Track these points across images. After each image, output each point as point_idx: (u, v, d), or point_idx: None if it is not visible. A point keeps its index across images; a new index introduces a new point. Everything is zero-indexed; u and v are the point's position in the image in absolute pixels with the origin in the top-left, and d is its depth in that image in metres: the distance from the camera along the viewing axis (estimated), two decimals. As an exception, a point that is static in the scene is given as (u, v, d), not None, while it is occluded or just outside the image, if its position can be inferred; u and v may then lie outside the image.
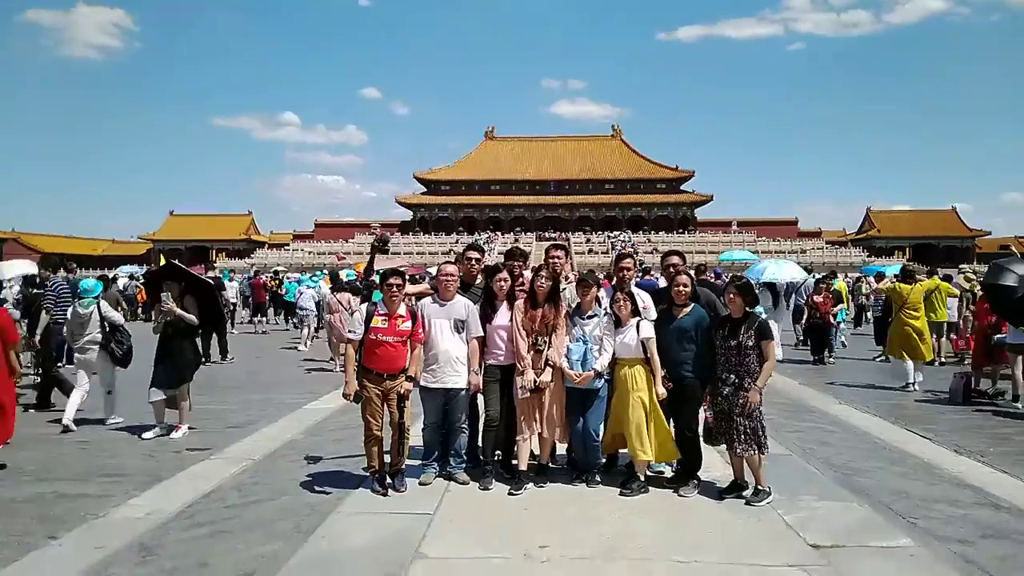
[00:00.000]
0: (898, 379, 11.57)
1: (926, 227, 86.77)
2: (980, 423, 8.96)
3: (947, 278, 15.13)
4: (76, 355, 9.02)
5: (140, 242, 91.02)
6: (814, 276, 18.18)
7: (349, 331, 6.11)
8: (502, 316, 6.23)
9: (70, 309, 9.06)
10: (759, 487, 5.68)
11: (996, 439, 8.02)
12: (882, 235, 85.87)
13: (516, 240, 68.15)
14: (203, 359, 10.74)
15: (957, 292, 14.68)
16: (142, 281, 23.81)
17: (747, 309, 5.83)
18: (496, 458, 6.40)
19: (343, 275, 19.58)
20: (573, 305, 6.26)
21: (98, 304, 8.85)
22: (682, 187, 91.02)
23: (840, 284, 18.66)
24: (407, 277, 6.38)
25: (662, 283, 7.44)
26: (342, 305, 13.30)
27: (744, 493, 5.73)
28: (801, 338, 17.48)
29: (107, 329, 8.78)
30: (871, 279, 24.16)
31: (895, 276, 14.31)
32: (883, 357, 14.40)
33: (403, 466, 6.10)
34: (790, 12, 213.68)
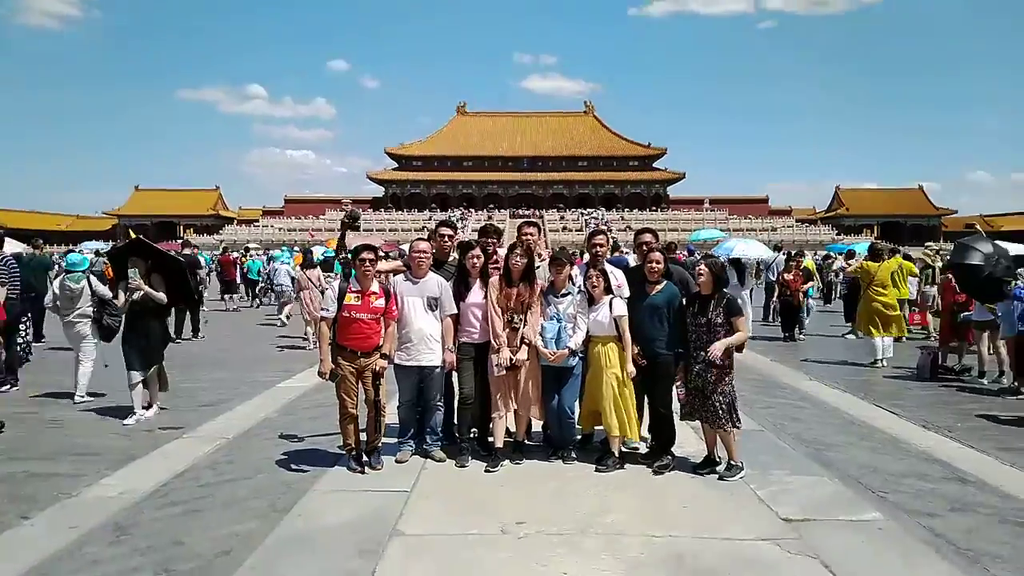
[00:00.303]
0: (867, 356, 11.77)
1: (894, 205, 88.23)
2: (947, 399, 9.15)
3: (907, 257, 16.00)
4: (65, 330, 8.91)
5: (105, 217, 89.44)
6: (784, 253, 18.36)
7: (323, 308, 6.04)
8: (476, 294, 6.20)
9: (56, 282, 8.95)
10: (732, 462, 5.76)
11: (962, 414, 8.19)
12: (851, 213, 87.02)
13: (489, 217, 67.97)
14: (173, 338, 10.57)
15: (917, 271, 15.21)
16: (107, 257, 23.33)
17: (718, 287, 5.86)
18: (472, 436, 6.41)
19: (317, 251, 19.39)
20: (546, 283, 6.26)
21: (88, 278, 8.73)
22: (655, 164, 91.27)
23: (808, 262, 18.90)
24: (379, 253, 6.30)
25: (631, 260, 7.43)
26: (311, 282, 13.22)
27: (717, 468, 5.80)
28: (774, 316, 17.62)
29: (98, 303, 8.69)
30: (841, 256, 24.43)
31: (864, 257, 14.62)
32: (851, 334, 14.68)
33: (379, 444, 6.09)
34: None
